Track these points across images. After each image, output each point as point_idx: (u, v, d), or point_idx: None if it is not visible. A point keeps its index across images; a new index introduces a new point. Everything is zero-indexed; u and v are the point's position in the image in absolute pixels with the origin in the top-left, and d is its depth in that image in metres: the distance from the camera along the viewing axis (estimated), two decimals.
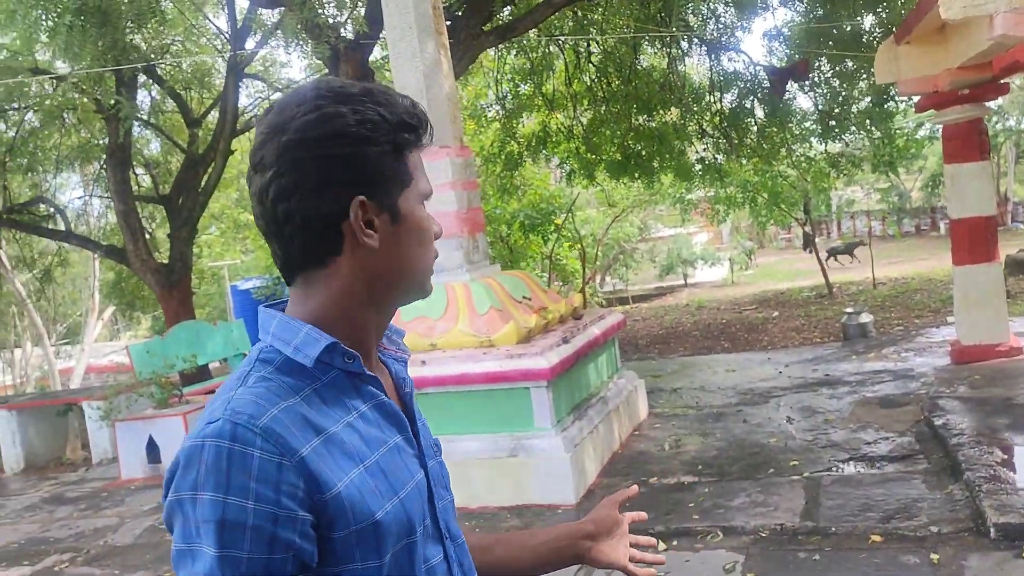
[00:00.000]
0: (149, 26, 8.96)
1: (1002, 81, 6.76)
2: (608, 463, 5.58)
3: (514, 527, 4.67)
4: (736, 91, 10.92)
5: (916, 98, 7.46)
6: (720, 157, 11.73)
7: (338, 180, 0.93)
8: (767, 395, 7.11)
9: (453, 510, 1.08)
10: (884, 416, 5.96)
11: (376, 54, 9.95)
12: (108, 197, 11.56)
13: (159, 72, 10.98)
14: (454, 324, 5.42)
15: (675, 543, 4.26)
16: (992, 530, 3.75)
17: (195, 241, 12.30)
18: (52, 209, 12.01)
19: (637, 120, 11.46)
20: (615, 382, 6.45)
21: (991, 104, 7.31)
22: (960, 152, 7.00)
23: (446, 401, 5.17)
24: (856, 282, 16.46)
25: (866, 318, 9.62)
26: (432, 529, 1.01)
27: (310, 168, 0.92)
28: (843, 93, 10.48)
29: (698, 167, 12.20)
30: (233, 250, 21.29)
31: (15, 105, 10.21)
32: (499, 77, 12.01)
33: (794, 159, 11.73)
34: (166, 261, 10.91)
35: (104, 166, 11.01)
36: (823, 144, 11.58)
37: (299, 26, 6.88)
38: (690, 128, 11.55)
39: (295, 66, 24.95)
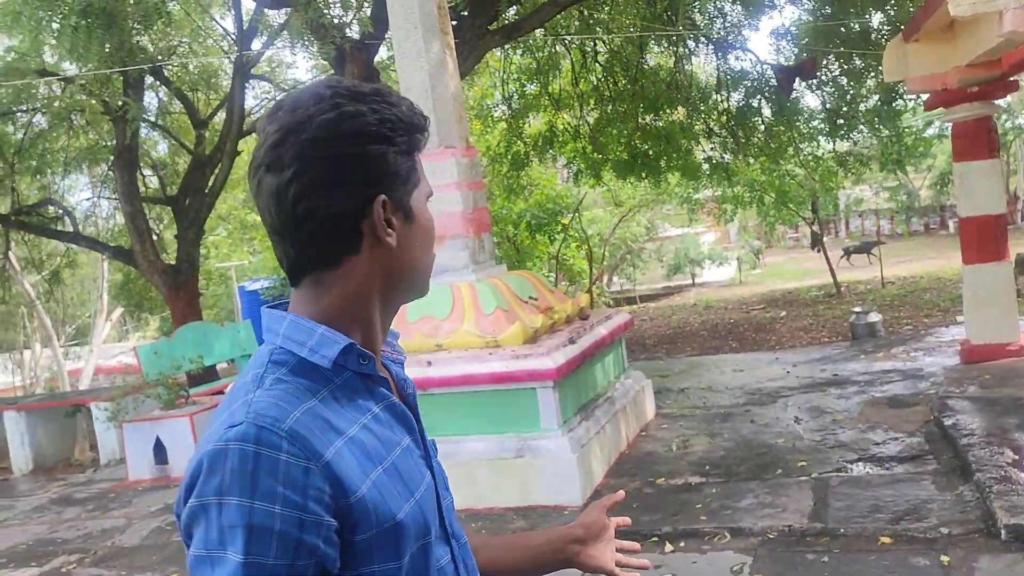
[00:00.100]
0: (156, 27, 9.00)
1: (1011, 79, 6.72)
2: (615, 464, 5.56)
3: (520, 528, 4.66)
4: (743, 90, 10.89)
5: (924, 96, 7.42)
6: (727, 156, 11.69)
7: (360, 179, 0.93)
8: (775, 395, 7.07)
9: (454, 510, 1.09)
10: (893, 416, 5.92)
11: (382, 54, 9.95)
12: (116, 198, 11.60)
13: (166, 73, 11.02)
14: (460, 324, 5.41)
15: (682, 544, 4.24)
16: (1003, 531, 3.72)
17: (202, 242, 12.36)
18: (60, 211, 12.06)
19: (644, 119, 11.43)
20: (622, 382, 6.42)
21: (1000, 102, 7.26)
22: (969, 150, 6.95)
23: (452, 402, 5.16)
24: (864, 281, 16.39)
25: (875, 317, 9.56)
26: (439, 530, 1.01)
27: (332, 166, 0.91)
28: (851, 91, 10.43)
29: (705, 166, 12.17)
30: (241, 251, 21.37)
31: (23, 107, 10.26)
32: (505, 77, 12.00)
33: (802, 158, 11.68)
34: (173, 262, 10.93)
35: (111, 167, 11.05)
36: (831, 143, 11.53)
37: (304, 27, 6.88)
38: (697, 127, 11.51)
39: (301, 67, 25.04)
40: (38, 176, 11.76)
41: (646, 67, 11.27)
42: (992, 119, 7.06)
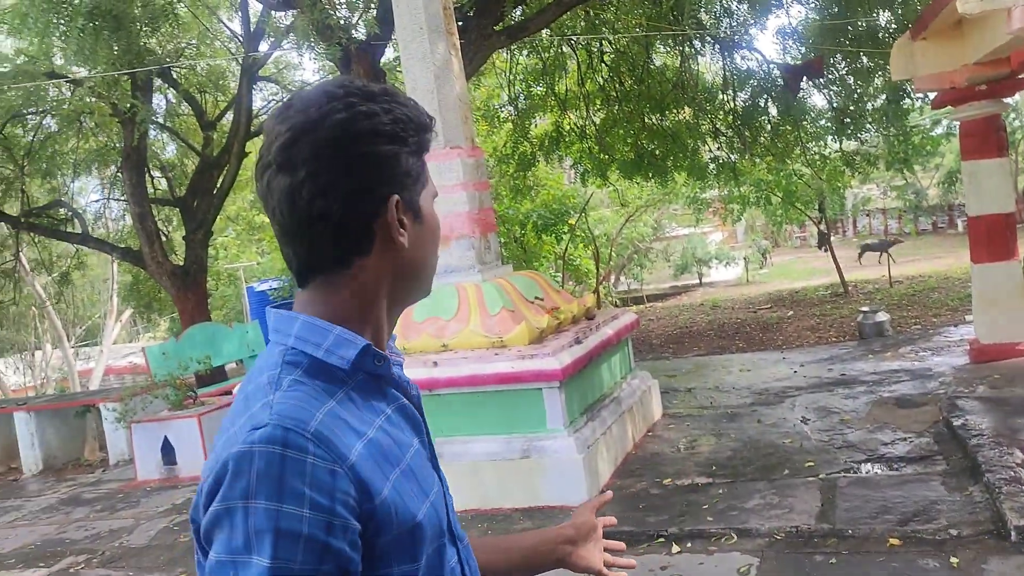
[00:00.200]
0: (163, 30, 9.03)
1: (1020, 76, 6.68)
2: (621, 464, 5.55)
3: (526, 529, 4.66)
4: (750, 89, 10.85)
5: (932, 95, 7.38)
6: (734, 156, 11.66)
7: (375, 179, 0.93)
8: (782, 395, 7.05)
9: (455, 512, 1.09)
10: (901, 416, 5.89)
11: (388, 55, 9.97)
12: (125, 200, 11.65)
13: (174, 75, 11.06)
14: (466, 325, 5.41)
15: (689, 545, 4.23)
16: (1013, 533, 3.69)
17: (211, 243, 12.40)
18: (70, 212, 12.13)
19: (650, 119, 11.42)
20: (628, 382, 6.41)
21: (1009, 100, 7.22)
22: (978, 148, 6.91)
23: (458, 402, 5.16)
24: (872, 280, 16.32)
25: (882, 317, 9.52)
26: (447, 532, 1.01)
27: (348, 166, 0.91)
28: (858, 90, 10.39)
29: (712, 166, 12.14)
30: (249, 252, 21.43)
31: (33, 110, 10.32)
32: (511, 78, 12.00)
33: (808, 157, 11.64)
34: (182, 263, 10.98)
35: (120, 169, 11.11)
36: (838, 142, 11.48)
37: (310, 28, 6.90)
38: (703, 127, 11.49)
39: (307, 68, 25.08)
40: (48, 178, 11.82)
41: (652, 67, 11.25)
42: (1001, 117, 7.02)
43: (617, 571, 1.31)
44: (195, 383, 9.17)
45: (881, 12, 9.58)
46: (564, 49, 11.65)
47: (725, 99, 11.00)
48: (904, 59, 6.72)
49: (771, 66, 10.41)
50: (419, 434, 1.01)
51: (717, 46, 10.66)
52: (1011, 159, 7.09)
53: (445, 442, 5.05)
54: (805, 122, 10.97)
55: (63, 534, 6.05)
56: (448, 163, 5.71)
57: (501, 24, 8.91)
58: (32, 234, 12.13)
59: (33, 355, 21.45)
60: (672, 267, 22.74)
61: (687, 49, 10.59)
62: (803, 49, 10.35)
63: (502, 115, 13.42)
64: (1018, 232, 7.26)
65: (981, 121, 6.85)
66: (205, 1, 11.70)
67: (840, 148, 11.76)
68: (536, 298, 5.84)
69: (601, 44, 11.24)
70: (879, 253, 19.34)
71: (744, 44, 10.60)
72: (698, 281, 23.25)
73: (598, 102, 12.02)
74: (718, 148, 11.78)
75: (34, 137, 10.90)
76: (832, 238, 16.65)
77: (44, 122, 10.96)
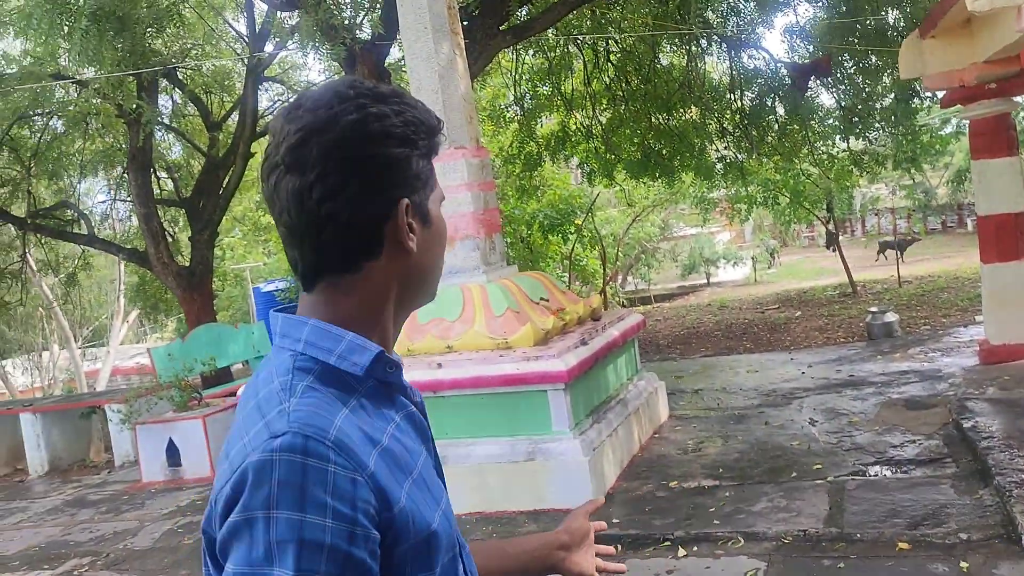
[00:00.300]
0: (168, 30, 9.03)
1: None
2: (627, 466, 5.51)
3: (531, 532, 4.62)
4: (757, 89, 10.81)
5: (941, 93, 7.31)
6: (741, 155, 11.60)
7: (386, 181, 0.92)
8: (790, 396, 7.00)
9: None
10: (911, 418, 5.83)
11: (392, 55, 9.95)
12: (131, 201, 11.67)
13: (179, 76, 11.06)
14: (470, 326, 5.38)
15: (695, 548, 4.19)
16: (1023, 537, 3.64)
17: (217, 244, 12.39)
18: (76, 213, 12.15)
19: (657, 119, 11.37)
20: (635, 384, 6.37)
21: (1019, 98, 7.16)
22: (988, 147, 6.85)
23: (462, 404, 5.13)
24: (881, 281, 16.22)
25: (891, 317, 9.45)
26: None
27: (359, 168, 0.90)
28: (866, 89, 10.32)
29: (719, 166, 12.09)
30: (256, 252, 21.45)
31: (39, 111, 10.34)
32: (517, 77, 11.97)
33: (816, 157, 11.58)
34: (188, 264, 10.98)
35: (126, 170, 11.12)
36: (846, 141, 11.41)
37: (315, 28, 6.88)
38: (710, 126, 11.44)
39: (313, 68, 25.10)
40: (54, 179, 11.85)
41: (659, 66, 11.21)
42: (1011, 116, 6.96)
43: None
44: (200, 384, 9.17)
45: (890, 10, 9.52)
46: (570, 48, 11.62)
47: (732, 98, 10.95)
48: (913, 57, 6.67)
49: (778, 65, 10.35)
50: (426, 442, 1.00)
51: (724, 45, 10.61)
52: (1021, 158, 7.01)
53: (449, 444, 5.02)
54: (813, 121, 10.91)
55: (68, 536, 6.05)
56: (453, 163, 5.68)
57: (506, 23, 8.87)
58: (39, 235, 12.15)
59: (40, 356, 21.53)
60: (679, 267, 22.67)
61: (694, 48, 10.54)
62: (811, 48, 10.30)
63: (508, 115, 13.40)
64: None
65: (991, 120, 6.79)
66: (210, 2, 11.71)
67: (848, 147, 11.69)
68: (541, 299, 5.81)
69: (607, 43, 11.20)
70: (898, 251, 19.09)
71: (751, 43, 10.55)
72: (706, 281, 23.16)
73: (604, 102, 11.98)
74: (725, 147, 11.73)
75: (40, 138, 10.92)
76: (840, 238, 16.57)
77: (50, 123, 10.98)
